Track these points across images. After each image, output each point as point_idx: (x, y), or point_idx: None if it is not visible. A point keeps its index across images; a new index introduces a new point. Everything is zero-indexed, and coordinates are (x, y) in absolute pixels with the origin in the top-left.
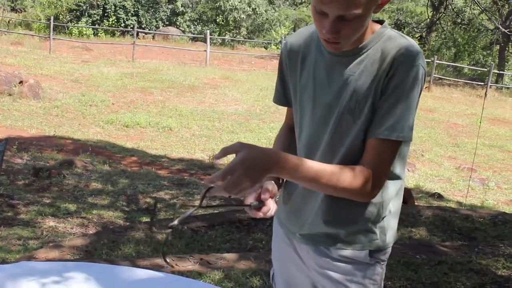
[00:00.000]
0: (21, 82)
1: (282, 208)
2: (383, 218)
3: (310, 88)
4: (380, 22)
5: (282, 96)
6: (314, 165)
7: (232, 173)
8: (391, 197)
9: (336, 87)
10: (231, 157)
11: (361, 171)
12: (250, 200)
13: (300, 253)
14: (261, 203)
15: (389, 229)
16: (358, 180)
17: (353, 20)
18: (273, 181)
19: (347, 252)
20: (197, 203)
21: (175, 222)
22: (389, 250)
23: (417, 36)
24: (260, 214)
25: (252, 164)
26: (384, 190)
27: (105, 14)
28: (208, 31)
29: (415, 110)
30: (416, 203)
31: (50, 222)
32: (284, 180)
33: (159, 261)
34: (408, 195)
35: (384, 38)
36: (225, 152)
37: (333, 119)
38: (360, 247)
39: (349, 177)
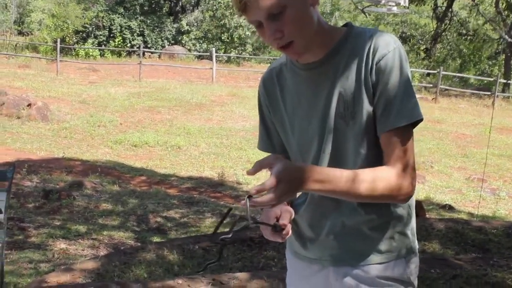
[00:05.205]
0: (29, 105)
1: (295, 241)
2: (411, 218)
3: (300, 111)
4: (346, 25)
5: (267, 141)
6: (346, 174)
7: (278, 183)
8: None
9: (323, 98)
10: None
11: (390, 169)
12: (268, 221)
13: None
14: (279, 227)
15: (414, 230)
16: (393, 178)
17: (284, 13)
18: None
19: (383, 268)
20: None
21: (229, 235)
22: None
23: (422, 48)
24: (281, 237)
25: (292, 175)
26: None
27: (111, 35)
28: (214, 48)
29: (412, 88)
30: (427, 215)
31: (61, 245)
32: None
33: (171, 282)
34: (419, 207)
35: (353, 37)
36: (260, 166)
37: (328, 129)
38: (394, 256)
39: (385, 178)
